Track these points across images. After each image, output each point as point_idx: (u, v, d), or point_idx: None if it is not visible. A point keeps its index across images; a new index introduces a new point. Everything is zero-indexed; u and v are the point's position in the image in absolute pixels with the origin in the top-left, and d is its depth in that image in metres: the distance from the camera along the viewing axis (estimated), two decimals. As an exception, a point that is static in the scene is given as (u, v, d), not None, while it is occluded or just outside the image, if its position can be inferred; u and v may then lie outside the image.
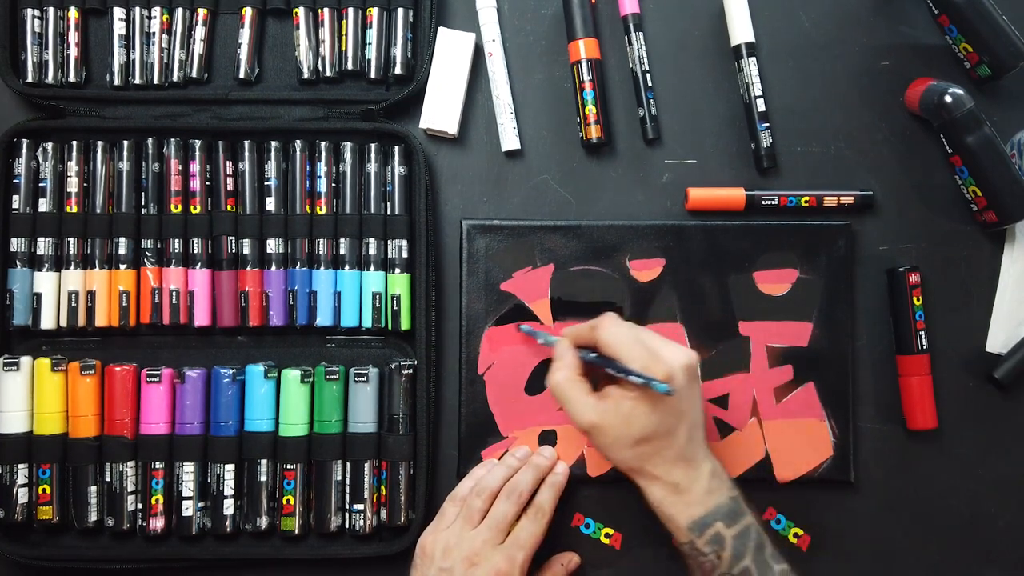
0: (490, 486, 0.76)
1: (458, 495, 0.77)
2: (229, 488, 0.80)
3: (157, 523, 0.80)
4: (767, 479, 0.81)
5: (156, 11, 0.83)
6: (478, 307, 0.82)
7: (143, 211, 0.81)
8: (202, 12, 0.83)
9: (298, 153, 0.82)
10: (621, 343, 0.70)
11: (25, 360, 0.80)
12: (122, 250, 0.81)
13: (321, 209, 0.82)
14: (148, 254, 0.81)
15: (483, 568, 0.72)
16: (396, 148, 0.82)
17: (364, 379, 0.80)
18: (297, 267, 0.81)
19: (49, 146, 0.81)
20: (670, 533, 0.71)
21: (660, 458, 0.69)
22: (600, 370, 0.73)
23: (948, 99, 0.79)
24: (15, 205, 0.81)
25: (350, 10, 0.83)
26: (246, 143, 0.82)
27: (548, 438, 0.82)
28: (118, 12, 0.83)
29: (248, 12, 0.83)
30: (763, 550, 0.69)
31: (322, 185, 0.82)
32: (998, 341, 0.83)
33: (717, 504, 0.69)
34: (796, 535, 0.82)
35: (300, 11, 0.83)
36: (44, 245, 0.81)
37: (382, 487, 0.81)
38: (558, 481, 0.78)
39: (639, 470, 0.71)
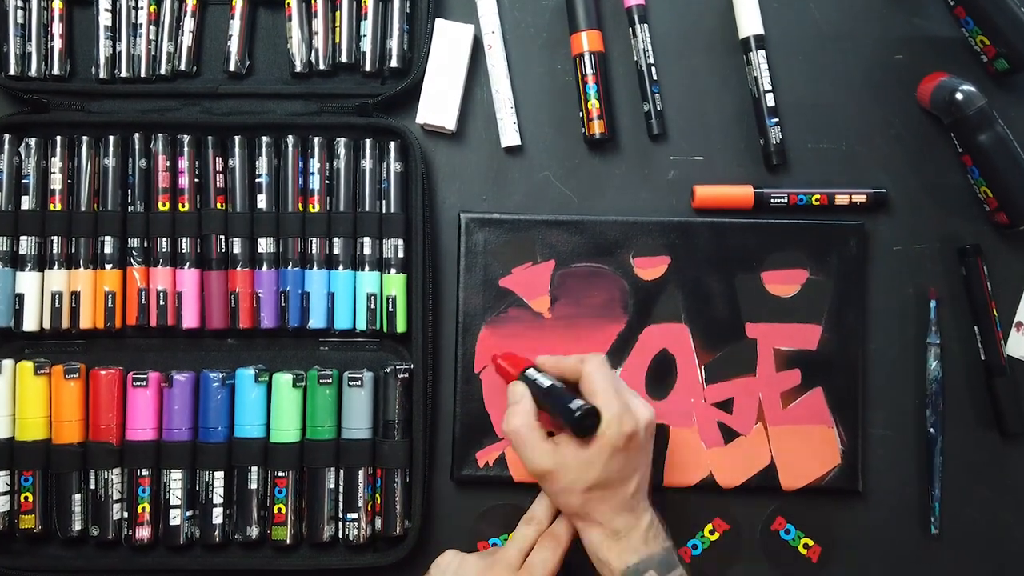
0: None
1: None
2: (218, 496, 0.78)
3: (143, 532, 0.78)
4: (772, 486, 0.80)
5: (143, 1, 0.81)
6: (475, 303, 0.80)
7: (129, 209, 0.80)
8: (191, 3, 0.81)
9: (290, 149, 0.80)
10: (603, 382, 0.70)
11: (7, 363, 0.78)
12: (108, 249, 0.79)
13: (314, 207, 0.80)
14: (135, 253, 0.79)
15: None
16: (392, 144, 0.80)
17: (358, 383, 0.78)
18: (289, 267, 0.80)
19: (32, 141, 0.79)
20: None
21: (607, 505, 0.70)
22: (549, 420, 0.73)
23: (959, 96, 0.78)
24: (-4, 202, 0.79)
25: (344, 1, 0.81)
26: (236, 139, 0.80)
27: None
28: (104, 2, 0.81)
29: (238, 3, 0.81)
30: None
31: (315, 182, 0.80)
32: (1021, 346, 0.81)
33: (651, 552, 0.70)
34: (806, 546, 0.81)
35: (292, 1, 0.81)
36: (27, 244, 0.79)
37: (377, 495, 0.79)
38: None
39: (583, 516, 0.71)
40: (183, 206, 0.79)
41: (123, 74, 0.81)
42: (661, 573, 0.69)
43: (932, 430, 0.80)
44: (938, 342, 0.80)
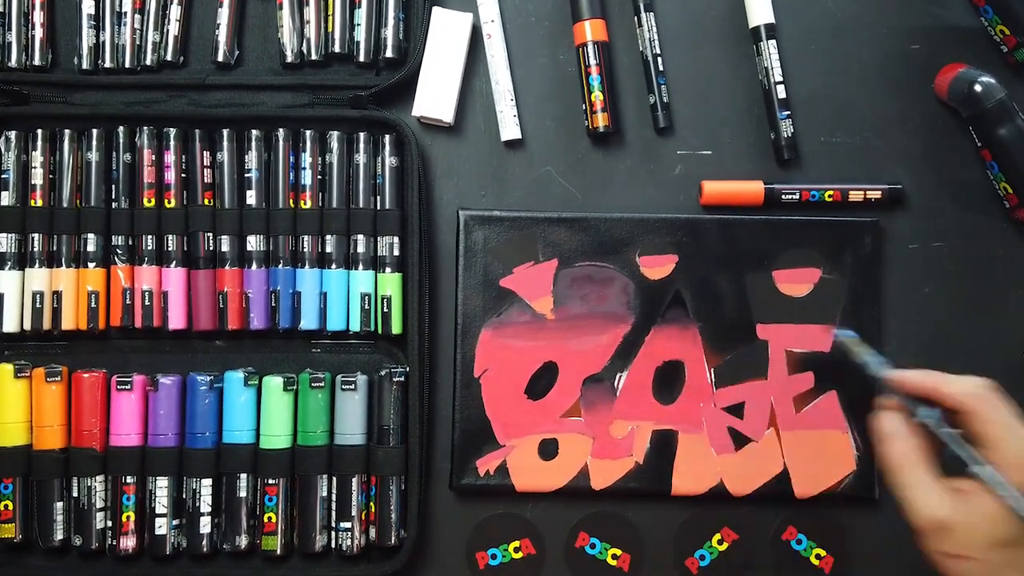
0: None
1: None
2: (206, 504, 0.76)
3: (128, 542, 0.76)
4: (785, 494, 0.78)
5: (128, -11, 0.80)
6: (475, 304, 0.78)
7: (113, 205, 0.78)
8: (178, -10, 0.80)
9: (281, 143, 0.78)
10: (1003, 421, 0.58)
11: (-15, 366, 0.77)
12: (91, 247, 0.77)
13: (306, 203, 0.78)
14: (119, 251, 0.78)
15: None
16: (387, 137, 0.79)
17: (352, 387, 0.76)
18: (280, 266, 0.78)
19: (12, 135, 0.77)
20: None
21: (1015, 570, 0.57)
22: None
23: (978, 88, 0.76)
24: (-25, 199, 0.77)
25: (337, -12, 0.79)
26: (225, 132, 0.78)
27: (549, 447, 0.78)
28: (87, -10, 0.79)
29: (227, -10, 0.80)
30: None
31: (307, 177, 0.78)
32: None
33: None
34: (818, 556, 0.78)
35: (284, -11, 0.80)
36: (7, 242, 0.77)
37: (371, 504, 0.77)
38: None
39: None
40: (169, 202, 0.78)
41: (107, 64, 0.79)
42: None
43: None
44: None
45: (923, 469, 0.60)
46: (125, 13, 0.79)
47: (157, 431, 0.76)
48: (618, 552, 0.78)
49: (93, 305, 0.77)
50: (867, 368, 0.66)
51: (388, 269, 0.78)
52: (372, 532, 0.77)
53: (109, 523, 0.77)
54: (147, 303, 0.77)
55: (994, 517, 0.58)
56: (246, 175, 0.78)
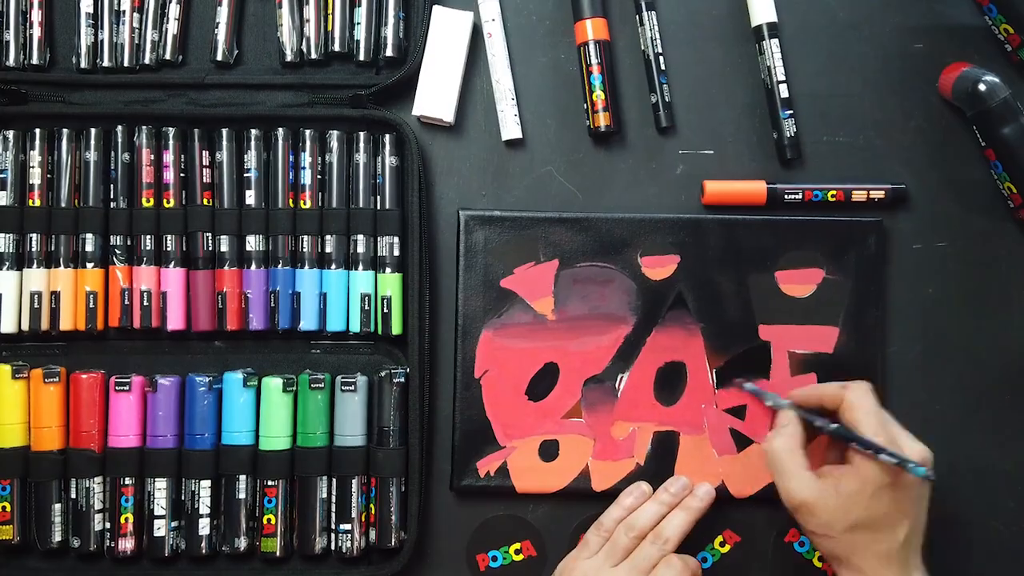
0: (640, 525, 0.73)
1: (604, 525, 0.75)
2: (205, 506, 0.76)
3: (127, 544, 0.76)
4: None
5: (127, -13, 0.79)
6: (475, 305, 0.78)
7: (112, 205, 0.78)
8: (177, -11, 0.79)
9: (280, 142, 0.78)
10: (870, 414, 0.68)
11: (-17, 367, 0.76)
12: (89, 247, 0.77)
13: (305, 203, 0.78)
14: (117, 251, 0.77)
15: None
16: (387, 137, 0.78)
17: (352, 388, 0.76)
18: (279, 266, 0.78)
19: (10, 134, 0.77)
20: None
21: (871, 552, 0.66)
22: (819, 449, 0.72)
23: (982, 87, 0.76)
24: (-28, 198, 0.77)
25: (337, -13, 0.79)
26: (224, 131, 0.78)
27: (550, 448, 0.78)
28: (85, -12, 0.79)
29: (227, -11, 0.79)
30: None
31: (306, 177, 0.78)
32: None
33: None
34: (821, 559, 0.78)
35: (283, -12, 0.79)
36: (4, 242, 0.77)
37: (371, 505, 0.77)
38: (694, 506, 0.75)
39: (844, 560, 0.68)
40: (168, 202, 0.77)
41: (105, 63, 0.79)
42: None
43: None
44: None
45: (798, 459, 0.69)
46: (124, 12, 0.78)
47: (156, 432, 0.76)
48: (619, 554, 0.78)
49: (91, 305, 0.77)
50: (777, 406, 0.74)
51: (388, 269, 0.77)
52: (372, 534, 0.76)
53: (107, 525, 0.76)
54: (146, 303, 0.77)
55: (850, 501, 0.66)
56: (245, 175, 0.78)
